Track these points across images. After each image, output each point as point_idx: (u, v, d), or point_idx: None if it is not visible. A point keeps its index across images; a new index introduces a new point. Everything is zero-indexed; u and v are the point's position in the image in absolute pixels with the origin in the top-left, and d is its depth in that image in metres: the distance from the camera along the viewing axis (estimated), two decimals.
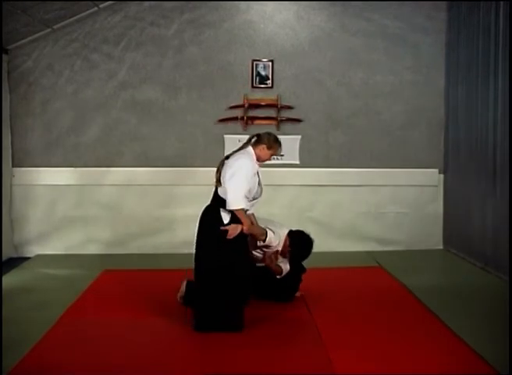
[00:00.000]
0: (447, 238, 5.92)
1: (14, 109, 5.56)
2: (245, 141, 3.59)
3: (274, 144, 3.57)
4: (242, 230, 3.35)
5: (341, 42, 5.76)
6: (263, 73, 5.72)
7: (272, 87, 5.73)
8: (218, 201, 3.41)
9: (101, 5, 5.53)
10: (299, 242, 3.91)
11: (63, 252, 5.63)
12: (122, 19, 5.61)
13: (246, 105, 5.67)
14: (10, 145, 5.55)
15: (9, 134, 5.54)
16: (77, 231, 5.68)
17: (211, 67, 5.70)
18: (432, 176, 5.92)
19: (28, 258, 5.53)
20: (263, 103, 5.71)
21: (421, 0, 5.74)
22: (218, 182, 3.42)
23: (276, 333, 3.38)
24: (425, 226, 5.93)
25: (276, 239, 3.78)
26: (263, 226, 3.73)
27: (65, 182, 5.65)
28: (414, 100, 5.85)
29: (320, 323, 3.54)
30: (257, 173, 3.49)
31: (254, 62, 5.71)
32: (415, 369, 2.87)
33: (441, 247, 5.96)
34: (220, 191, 3.42)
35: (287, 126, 5.74)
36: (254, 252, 3.86)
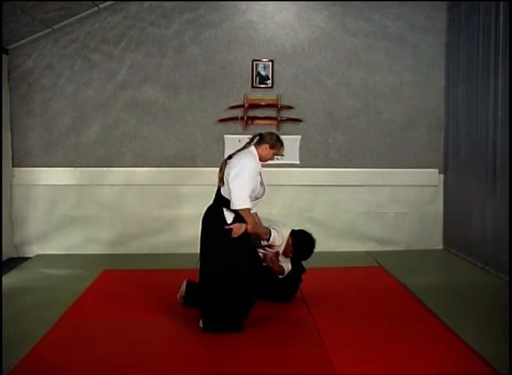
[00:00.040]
0: (447, 238, 5.92)
1: (14, 109, 5.56)
2: (248, 141, 3.58)
3: (277, 144, 3.57)
4: (246, 229, 3.35)
5: (341, 42, 5.77)
6: (263, 73, 5.72)
7: (272, 87, 5.73)
8: (220, 201, 3.40)
9: (101, 5, 5.53)
10: (301, 242, 3.91)
11: (63, 252, 5.64)
12: (122, 19, 5.61)
13: (246, 105, 5.68)
14: (10, 145, 5.55)
15: (9, 134, 5.54)
16: (77, 231, 5.68)
17: (211, 67, 5.70)
18: (432, 176, 5.92)
19: (28, 258, 5.53)
20: (263, 103, 5.71)
21: (421, 0, 5.74)
22: (221, 181, 3.41)
23: (276, 333, 3.38)
24: (425, 226, 5.93)
25: (279, 238, 3.78)
26: (267, 226, 3.73)
27: (65, 182, 5.66)
28: (414, 100, 5.85)
29: (320, 323, 3.54)
30: (260, 172, 3.48)
31: (254, 62, 5.71)
32: (415, 369, 2.87)
33: (441, 247, 5.96)
34: (223, 191, 3.41)
35: (287, 126, 5.74)
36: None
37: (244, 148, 3.53)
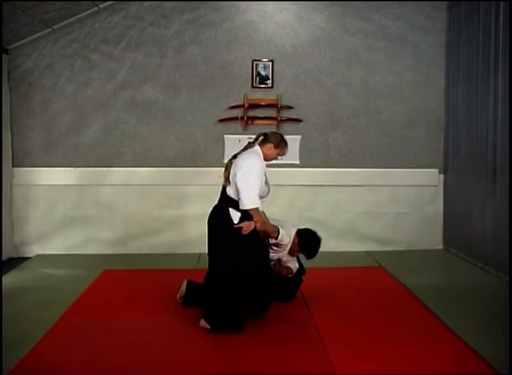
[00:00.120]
0: (447, 238, 5.92)
1: (14, 109, 5.56)
2: (252, 140, 3.58)
3: (281, 144, 3.57)
4: (255, 227, 3.34)
5: (341, 42, 5.77)
6: (263, 73, 5.72)
7: (272, 87, 5.73)
8: (226, 201, 3.39)
9: (101, 5, 5.53)
10: (307, 240, 3.92)
11: (63, 252, 5.64)
12: (122, 19, 5.61)
13: (246, 105, 5.67)
14: (10, 145, 5.56)
15: (9, 134, 5.54)
16: (77, 231, 5.68)
17: (211, 67, 5.70)
18: (432, 176, 5.92)
19: (28, 258, 5.53)
20: (263, 103, 5.71)
21: (421, 0, 5.74)
22: (227, 181, 3.41)
23: (276, 333, 3.38)
24: (425, 226, 5.93)
25: (287, 237, 3.79)
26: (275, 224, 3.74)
27: (65, 182, 5.66)
28: (414, 100, 5.85)
29: (320, 323, 3.54)
30: (265, 172, 3.48)
31: (254, 62, 5.71)
32: (415, 369, 2.87)
33: (441, 247, 5.96)
34: (229, 190, 3.40)
35: (287, 126, 5.74)
36: None
37: (249, 147, 3.52)
